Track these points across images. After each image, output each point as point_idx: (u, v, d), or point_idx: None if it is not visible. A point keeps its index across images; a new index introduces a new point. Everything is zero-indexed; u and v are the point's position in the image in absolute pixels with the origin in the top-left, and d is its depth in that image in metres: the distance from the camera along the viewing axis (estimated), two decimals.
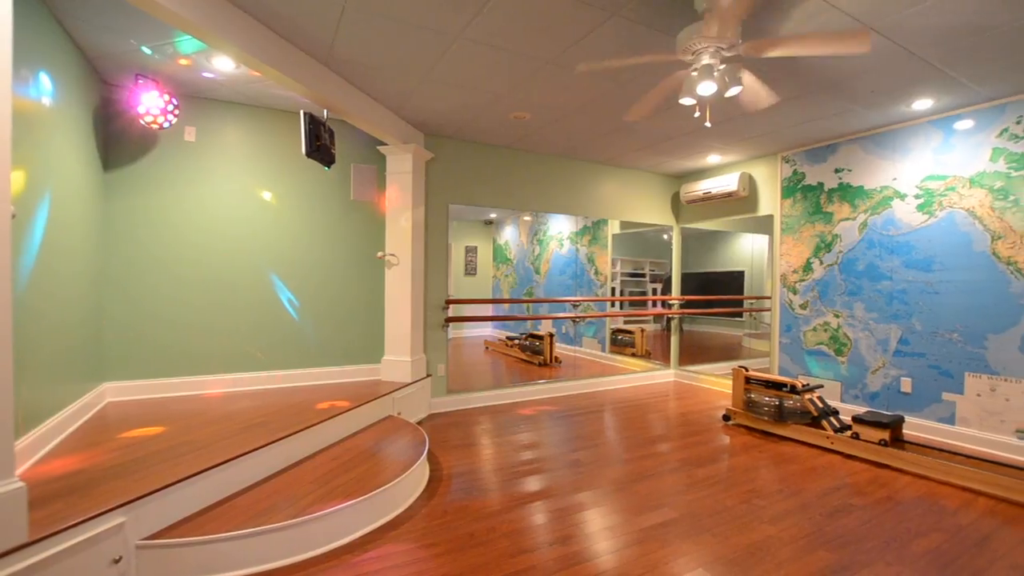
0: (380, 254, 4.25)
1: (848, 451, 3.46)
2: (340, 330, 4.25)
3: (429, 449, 3.32)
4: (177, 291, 3.66)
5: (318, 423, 2.96)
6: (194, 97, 3.68)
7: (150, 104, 3.21)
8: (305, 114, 3.18)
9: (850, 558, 2.18)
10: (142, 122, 3.28)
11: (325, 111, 3.39)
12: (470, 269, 5.85)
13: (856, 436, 3.44)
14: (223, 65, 3.15)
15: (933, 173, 3.87)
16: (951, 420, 3.75)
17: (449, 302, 4.68)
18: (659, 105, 2.85)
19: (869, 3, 2.35)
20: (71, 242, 2.83)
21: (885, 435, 3.31)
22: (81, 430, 2.79)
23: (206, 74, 3.30)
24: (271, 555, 2.07)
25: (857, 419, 3.47)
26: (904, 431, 3.63)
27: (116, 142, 3.46)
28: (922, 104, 3.62)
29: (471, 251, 5.86)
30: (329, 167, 3.47)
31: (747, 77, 2.48)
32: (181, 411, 3.21)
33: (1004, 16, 2.45)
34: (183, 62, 3.12)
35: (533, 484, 2.95)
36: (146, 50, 2.95)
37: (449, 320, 4.67)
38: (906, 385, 4.00)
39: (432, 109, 3.85)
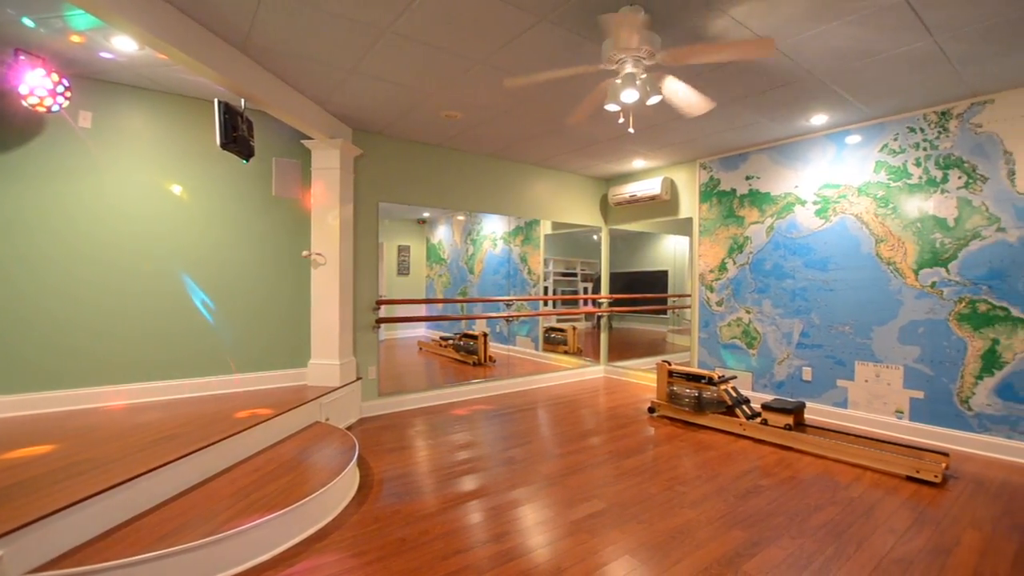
0: (305, 253, 4.06)
1: (758, 436, 3.76)
2: (262, 333, 4.01)
3: (359, 454, 3.22)
4: (69, 293, 3.29)
5: (237, 433, 2.78)
6: (90, 78, 3.33)
7: (34, 84, 2.86)
8: (220, 103, 2.97)
9: (760, 534, 2.37)
10: (25, 104, 2.92)
11: (243, 100, 3.18)
12: (403, 269, 5.73)
13: (765, 422, 3.74)
14: (124, 45, 2.87)
15: (828, 182, 4.29)
16: (844, 404, 4.17)
17: (380, 303, 4.56)
18: (593, 111, 2.94)
19: (773, 25, 2.56)
20: None
21: (789, 420, 3.63)
22: None
23: (104, 54, 2.99)
24: None
25: (765, 406, 3.78)
26: (805, 416, 3.99)
27: None
28: (819, 119, 4.00)
29: (404, 250, 5.73)
30: (247, 160, 3.26)
31: (679, 85, 2.61)
32: (76, 427, 2.89)
33: (883, 44, 2.77)
34: (75, 39, 2.81)
35: (467, 484, 2.94)
36: (28, 22, 2.63)
37: (380, 321, 4.55)
38: (807, 374, 4.40)
39: (360, 104, 3.74)
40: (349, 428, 3.98)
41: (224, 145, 3.01)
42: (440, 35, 2.71)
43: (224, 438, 2.68)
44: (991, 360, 3.45)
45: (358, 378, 4.31)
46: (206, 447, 2.55)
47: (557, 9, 2.42)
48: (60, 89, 2.97)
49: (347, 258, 4.15)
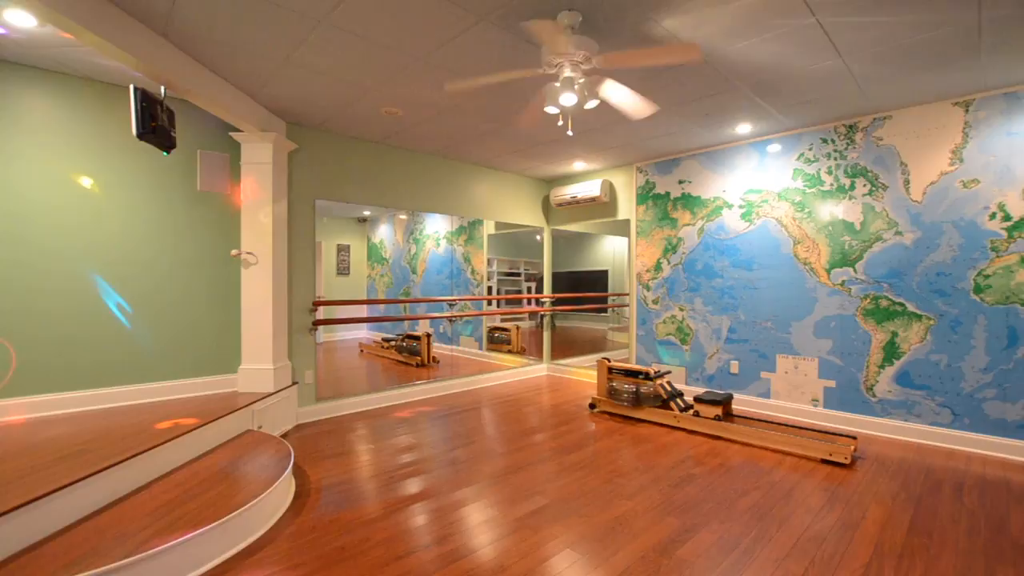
0: (235, 252, 3.84)
1: (691, 427, 3.95)
2: (187, 338, 3.75)
3: (295, 462, 3.10)
4: None
5: (157, 446, 2.58)
6: None
7: None
8: (136, 89, 2.74)
9: (692, 521, 2.50)
10: None
11: (163, 88, 2.96)
12: (343, 269, 5.54)
13: (697, 414, 3.94)
14: (20, 20, 2.59)
15: (752, 187, 4.58)
16: (768, 394, 4.48)
17: (318, 304, 4.39)
18: (540, 115, 2.95)
19: (702, 38, 2.71)
20: None
21: (719, 411, 3.85)
22: None
23: None
24: None
25: (697, 399, 3.98)
26: (733, 406, 4.25)
27: None
28: (744, 128, 4.27)
29: (343, 250, 5.55)
30: (168, 152, 3.04)
31: (621, 88, 2.68)
32: None
33: (799, 61, 2.99)
34: None
35: (410, 487, 2.90)
36: None
37: (318, 323, 4.38)
38: (735, 367, 4.68)
39: (295, 96, 3.58)
40: (284, 435, 3.80)
41: (141, 135, 2.78)
42: (379, 29, 2.64)
43: (142, 452, 2.49)
44: (891, 351, 3.82)
45: (294, 383, 4.14)
46: (120, 463, 2.35)
47: (497, 10, 2.43)
48: None
49: (281, 257, 3.96)
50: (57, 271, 3.25)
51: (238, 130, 3.74)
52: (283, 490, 2.63)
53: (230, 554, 2.16)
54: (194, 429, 2.88)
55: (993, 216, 3.41)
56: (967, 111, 3.50)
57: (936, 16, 2.49)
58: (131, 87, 2.74)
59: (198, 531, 2.05)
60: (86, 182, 3.36)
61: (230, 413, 3.24)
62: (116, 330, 3.47)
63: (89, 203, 3.37)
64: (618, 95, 2.71)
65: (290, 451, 2.97)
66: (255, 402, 3.53)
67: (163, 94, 2.94)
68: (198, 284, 3.81)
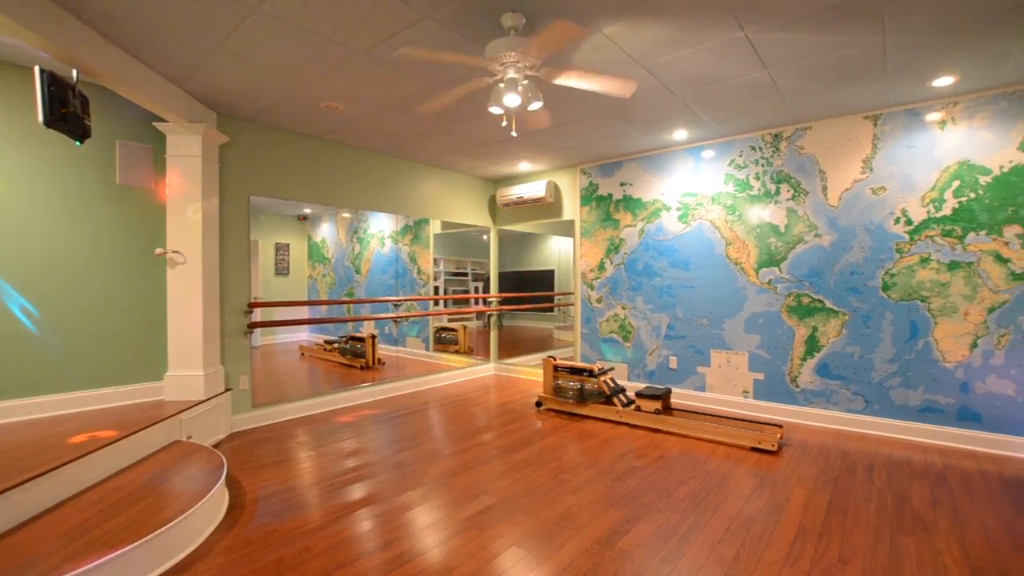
0: (160, 251, 3.59)
1: (633, 422, 4.09)
2: (105, 344, 3.46)
3: (229, 472, 2.95)
4: None
5: (69, 462, 2.37)
6: None
7: None
8: (43, 72, 2.50)
9: (633, 512, 2.59)
10: None
11: (75, 71, 2.71)
12: (281, 269, 5.30)
13: (638, 408, 4.08)
14: None
15: (688, 191, 4.80)
16: (703, 388, 4.71)
17: (253, 305, 4.18)
18: (455, 103, 2.91)
19: (640, 47, 2.81)
20: None
21: (659, 405, 4.01)
22: None
23: None
24: None
25: (639, 394, 4.13)
26: (672, 400, 4.44)
27: None
28: (680, 134, 4.47)
29: (282, 248, 5.30)
30: (81, 142, 2.79)
31: (601, 79, 2.68)
32: None
33: (730, 72, 3.17)
34: None
35: (354, 493, 2.82)
36: None
37: (253, 325, 4.17)
38: (673, 363, 4.89)
39: (227, 86, 3.39)
40: (217, 445, 3.60)
41: (49, 123, 2.54)
42: (318, 20, 2.55)
43: (51, 469, 2.27)
44: (812, 344, 4.13)
45: (227, 389, 3.91)
46: (25, 482, 2.14)
47: (441, 8, 2.41)
48: None
49: (212, 256, 3.74)
50: None
51: (163, 120, 3.49)
52: (215, 503, 2.49)
53: (156, 573, 2.02)
54: (113, 442, 2.67)
55: (898, 220, 3.76)
56: (875, 124, 3.83)
57: (848, 37, 2.71)
58: (36, 69, 2.50)
59: (117, 552, 1.90)
60: None
61: (155, 423, 3.02)
62: (21, 336, 3.15)
63: None
64: (589, 82, 2.70)
65: (223, 461, 2.81)
66: (183, 411, 3.31)
67: (75, 78, 2.70)
68: (117, 285, 3.53)
